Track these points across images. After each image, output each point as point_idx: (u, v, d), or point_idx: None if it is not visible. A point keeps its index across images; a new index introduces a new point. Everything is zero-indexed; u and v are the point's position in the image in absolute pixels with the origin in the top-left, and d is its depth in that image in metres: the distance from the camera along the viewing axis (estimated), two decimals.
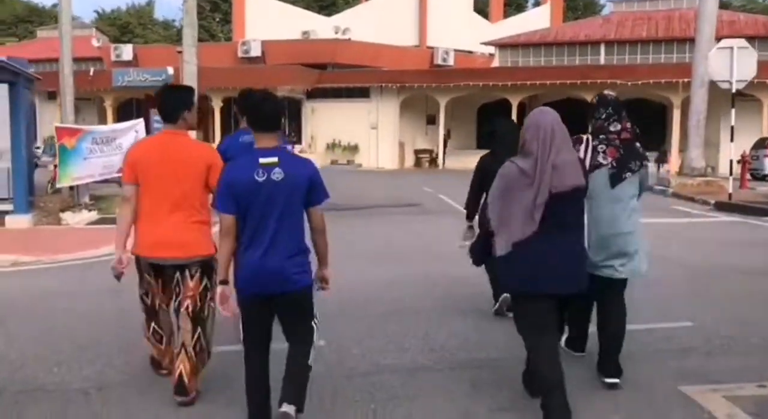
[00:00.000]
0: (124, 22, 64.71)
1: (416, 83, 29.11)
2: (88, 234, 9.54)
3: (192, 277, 3.85)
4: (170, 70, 28.00)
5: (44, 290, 6.59)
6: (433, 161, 30.79)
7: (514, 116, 28.48)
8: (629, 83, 26.13)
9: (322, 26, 37.63)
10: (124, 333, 5.03)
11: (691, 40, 33.31)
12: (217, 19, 63.42)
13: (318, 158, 29.59)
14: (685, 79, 25.80)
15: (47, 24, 47.80)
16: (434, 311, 5.69)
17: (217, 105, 30.24)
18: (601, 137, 4.10)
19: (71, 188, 11.81)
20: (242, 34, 37.49)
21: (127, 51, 34.86)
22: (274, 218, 3.31)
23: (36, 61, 27.20)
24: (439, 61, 34.65)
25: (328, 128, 30.31)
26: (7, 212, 9.82)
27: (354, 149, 30.11)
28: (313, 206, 3.43)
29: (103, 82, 30.63)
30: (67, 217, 10.83)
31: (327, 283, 3.62)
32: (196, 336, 3.82)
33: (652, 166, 3.77)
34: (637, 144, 4.18)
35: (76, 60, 37.25)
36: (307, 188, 3.38)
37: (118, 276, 3.90)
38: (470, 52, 37.83)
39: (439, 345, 4.84)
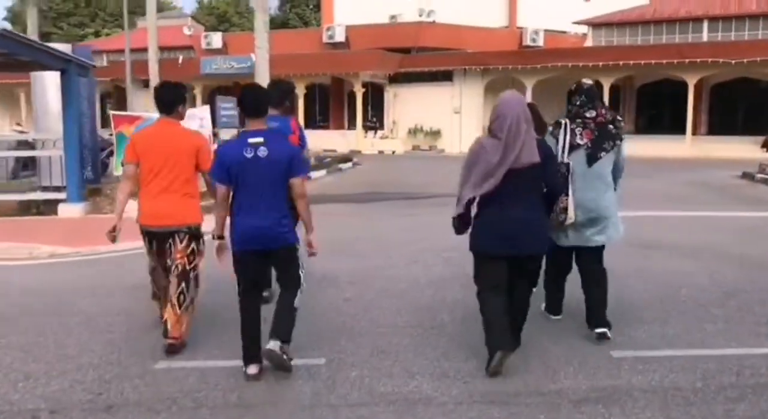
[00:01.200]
0: (222, 11, 66.09)
1: (501, 65, 27.98)
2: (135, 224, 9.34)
3: (181, 242, 4.55)
4: (254, 58, 28.00)
5: (62, 285, 6.37)
6: None
7: (606, 101, 27.04)
8: (733, 62, 24.08)
9: (410, 10, 36.91)
10: (115, 340, 4.67)
11: None
12: (311, 6, 63.84)
13: (400, 143, 29.11)
14: None
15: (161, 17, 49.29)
16: (464, 324, 5.00)
17: (300, 92, 30.15)
18: (577, 121, 4.60)
19: None
20: (330, 20, 37.32)
21: (216, 39, 35.39)
22: (261, 187, 3.95)
23: (134, 50, 27.83)
24: (528, 42, 33.24)
25: (410, 112, 29.68)
26: (60, 201, 9.80)
27: (436, 134, 29.35)
28: (292, 176, 4.00)
29: (191, 70, 31.14)
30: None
31: (312, 247, 4.15)
32: (179, 290, 4.51)
33: (625, 146, 4.80)
34: (611, 126, 4.63)
35: (169, 49, 38.75)
36: (288, 162, 3.98)
37: (111, 239, 4.62)
38: (563, 32, 36.10)
39: (454, 369, 4.19)
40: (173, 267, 4.57)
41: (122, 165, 5.15)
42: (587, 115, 4.62)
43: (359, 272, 6.68)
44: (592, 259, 4.77)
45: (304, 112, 29.82)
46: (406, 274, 6.63)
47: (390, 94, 30.37)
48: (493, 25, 35.80)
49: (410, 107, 29.71)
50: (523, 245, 4.06)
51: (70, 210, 9.69)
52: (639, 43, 31.84)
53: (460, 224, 4.24)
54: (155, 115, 5.29)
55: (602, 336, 4.62)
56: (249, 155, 3.94)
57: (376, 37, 30.89)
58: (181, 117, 4.72)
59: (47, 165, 10.52)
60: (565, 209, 4.44)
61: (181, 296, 4.52)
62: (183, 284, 4.54)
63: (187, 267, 4.57)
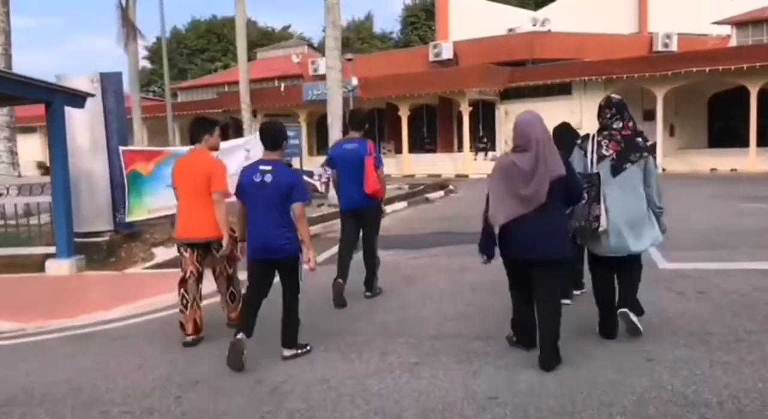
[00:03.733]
0: (344, 38, 66.19)
1: (626, 74, 24.79)
2: (130, 285, 7.78)
3: (217, 251, 5.38)
4: (354, 81, 26.69)
5: None
6: None
7: (754, 108, 23.16)
8: None
9: (529, 23, 34.37)
10: None
11: None
12: (434, 28, 62.64)
13: None
14: None
15: (278, 47, 50.00)
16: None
17: (404, 114, 28.42)
18: (604, 133, 4.84)
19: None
20: (445, 37, 35.49)
21: (323, 64, 34.50)
22: (266, 207, 4.71)
23: (251, 81, 27.26)
24: (658, 47, 29.75)
25: None
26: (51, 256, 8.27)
27: None
28: (292, 202, 4.72)
29: (295, 98, 30.36)
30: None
31: (310, 262, 4.78)
32: (229, 291, 5.64)
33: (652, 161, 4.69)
34: (638, 139, 4.81)
35: (279, 78, 38.50)
36: (288, 189, 4.71)
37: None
38: (702, 35, 32.11)
39: None
40: (219, 275, 5.60)
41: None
42: (614, 126, 4.82)
43: None
44: (626, 268, 4.92)
45: (408, 134, 28.05)
46: None
47: (501, 111, 27.97)
48: (621, 32, 32.58)
49: None
50: (544, 250, 4.34)
51: (59, 267, 8.21)
52: None
53: (486, 245, 4.61)
54: (182, 148, 5.87)
55: (625, 316, 4.81)
56: (257, 180, 4.71)
57: (485, 51, 28.66)
58: (211, 146, 5.52)
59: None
60: (598, 218, 4.68)
61: (231, 296, 5.63)
62: (231, 287, 5.63)
63: (229, 271, 5.59)
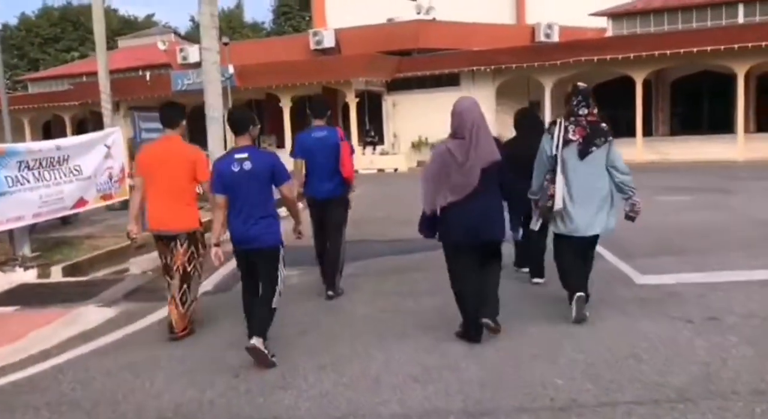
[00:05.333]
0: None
1: (515, 63, 24.22)
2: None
3: (181, 245, 5.23)
4: (231, 69, 24.53)
5: None
6: None
7: (639, 98, 23.22)
8: None
9: (409, 11, 33.28)
10: None
11: None
12: (307, 18, 60.87)
13: (402, 159, 25.40)
14: None
15: (142, 35, 46.47)
16: None
17: (286, 105, 26.55)
18: (571, 119, 5.12)
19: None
20: (323, 27, 33.81)
21: (193, 52, 31.89)
22: (249, 196, 4.62)
23: (113, 71, 24.24)
24: (541, 37, 29.59)
25: (412, 123, 25.94)
26: None
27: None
28: (279, 185, 4.75)
29: (163, 88, 27.70)
30: None
31: (301, 233, 5.03)
32: (182, 290, 5.23)
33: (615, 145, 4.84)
34: (602, 124, 5.13)
35: (144, 67, 35.38)
36: (270, 173, 4.67)
37: (132, 240, 5.44)
38: (580, 27, 32.39)
39: None
40: (175, 268, 5.27)
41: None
42: (580, 113, 5.11)
43: None
44: (586, 246, 5.21)
45: (291, 127, 26.21)
46: None
47: (388, 103, 26.75)
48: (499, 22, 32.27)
49: (412, 116, 26.00)
50: (485, 233, 4.58)
51: None
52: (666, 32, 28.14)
53: (427, 227, 4.75)
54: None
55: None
56: (236, 169, 4.64)
57: (369, 40, 27.28)
58: (183, 132, 5.39)
59: None
60: (552, 197, 5.05)
61: (184, 296, 5.26)
62: (185, 285, 5.27)
63: (188, 269, 5.28)
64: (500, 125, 25.84)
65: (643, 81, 23.32)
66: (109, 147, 9.17)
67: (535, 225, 5.41)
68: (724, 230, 8.75)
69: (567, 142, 4.99)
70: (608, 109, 28.04)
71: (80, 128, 32.11)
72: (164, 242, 5.27)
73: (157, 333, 5.45)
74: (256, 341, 4.47)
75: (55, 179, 8.15)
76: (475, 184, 4.40)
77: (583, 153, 4.98)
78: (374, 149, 26.37)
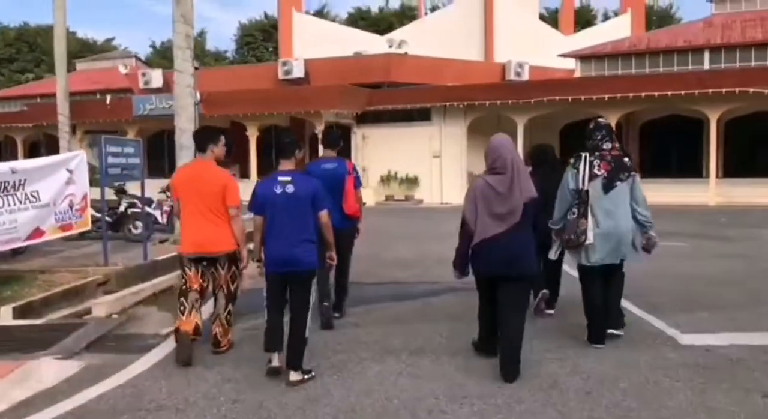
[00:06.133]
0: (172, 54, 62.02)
1: (488, 100, 23.86)
2: None
3: (222, 267, 5.34)
4: (198, 95, 23.57)
5: None
6: None
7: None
8: (766, 92, 20.36)
9: (377, 46, 32.92)
10: None
11: None
12: (270, 49, 60.35)
13: (371, 193, 24.68)
14: None
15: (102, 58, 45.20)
16: None
17: (252, 135, 25.69)
18: (596, 154, 5.21)
19: None
20: (290, 57, 33.18)
21: (156, 77, 30.95)
22: (288, 218, 4.69)
23: (71, 93, 23.04)
24: (511, 76, 29.52)
25: (382, 157, 25.31)
26: None
27: (413, 182, 25.02)
28: (317, 211, 4.82)
29: (123, 113, 26.60)
30: None
31: (333, 260, 5.17)
32: (227, 309, 5.40)
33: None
34: (626, 159, 5.26)
35: (103, 91, 34.17)
36: (311, 199, 4.77)
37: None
38: (547, 68, 32.49)
39: None
40: (219, 290, 5.38)
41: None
42: (604, 147, 5.22)
43: None
44: (613, 278, 5.33)
45: (258, 158, 25.32)
46: None
47: (358, 135, 26.11)
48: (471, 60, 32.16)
49: (382, 150, 25.39)
50: (520, 266, 4.57)
51: None
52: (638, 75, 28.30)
53: (464, 262, 4.79)
54: None
55: (614, 336, 5.30)
56: (279, 191, 4.73)
57: (340, 71, 26.73)
58: (216, 157, 5.34)
59: None
60: (585, 232, 5.09)
61: (229, 315, 5.41)
62: (230, 305, 5.42)
63: (231, 288, 5.41)
64: (470, 161, 25.47)
65: (618, 123, 23.21)
66: (71, 172, 8.24)
67: (555, 255, 5.59)
68: (741, 280, 8.20)
69: (593, 176, 5.10)
70: (578, 149, 28.24)
71: (33, 151, 30.72)
72: (197, 266, 5.28)
73: (133, 398, 4.53)
74: (293, 376, 4.62)
75: (9, 205, 7.20)
76: (518, 218, 4.48)
77: (607, 187, 5.10)
78: None
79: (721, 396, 4.13)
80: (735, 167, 24.19)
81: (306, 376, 4.67)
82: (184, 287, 5.31)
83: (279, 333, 4.79)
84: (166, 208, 13.92)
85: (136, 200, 13.29)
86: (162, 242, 12.11)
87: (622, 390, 4.34)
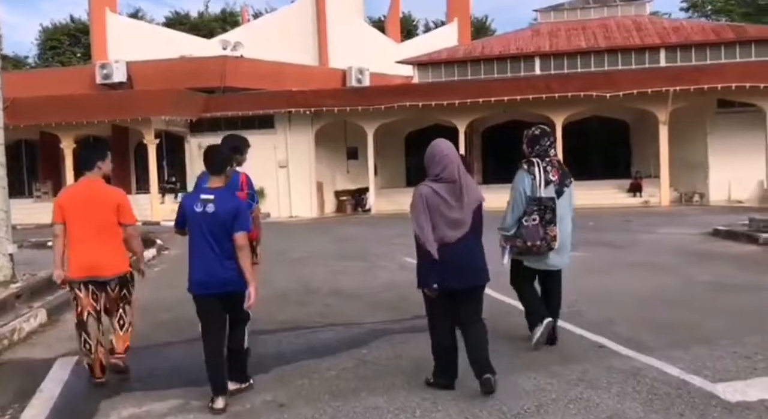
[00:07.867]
0: None
1: (336, 107, 22.54)
2: None
3: (113, 290, 5.02)
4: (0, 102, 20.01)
5: None
6: (359, 205, 24.45)
7: (462, 145, 22.61)
8: (608, 95, 20.84)
9: (204, 51, 30.46)
10: None
11: (638, 49, 29.81)
12: (79, 54, 55.18)
13: None
14: (677, 88, 20.96)
15: None
16: None
17: (67, 147, 22.38)
18: (546, 159, 5.20)
19: None
20: (104, 60, 29.76)
21: None
22: (207, 238, 4.33)
23: None
24: (353, 82, 28.50)
25: None
26: None
27: (259, 195, 23.02)
28: (234, 232, 4.35)
29: None
30: None
31: (249, 299, 4.39)
32: (118, 317, 5.10)
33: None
34: (565, 166, 5.36)
35: None
36: (231, 219, 4.34)
37: (62, 282, 5.02)
38: (386, 74, 31.89)
39: None
40: (112, 311, 5.07)
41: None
42: (551, 153, 5.25)
43: None
44: (554, 280, 5.42)
45: (75, 174, 22.06)
46: None
47: (192, 145, 23.64)
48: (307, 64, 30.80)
49: None
50: (475, 277, 4.37)
51: None
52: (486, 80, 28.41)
53: (431, 273, 4.29)
54: None
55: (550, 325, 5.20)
56: (199, 209, 4.34)
57: (168, 75, 24.21)
58: (104, 174, 5.01)
59: None
60: (555, 238, 5.10)
61: (121, 321, 5.11)
62: (120, 311, 5.10)
63: (123, 312, 5.11)
64: (320, 170, 23.99)
65: (464, 130, 22.88)
66: None
67: (507, 261, 5.37)
68: (687, 298, 7.24)
69: (548, 182, 5.13)
70: (418, 158, 27.81)
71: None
72: (88, 289, 4.94)
73: None
74: (233, 386, 4.46)
75: None
76: (468, 226, 4.32)
77: (559, 193, 5.16)
78: (176, 196, 23.05)
79: None
80: (576, 170, 24.78)
81: (243, 385, 4.54)
82: (79, 316, 4.93)
83: (220, 369, 4.35)
84: None
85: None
86: None
87: None
